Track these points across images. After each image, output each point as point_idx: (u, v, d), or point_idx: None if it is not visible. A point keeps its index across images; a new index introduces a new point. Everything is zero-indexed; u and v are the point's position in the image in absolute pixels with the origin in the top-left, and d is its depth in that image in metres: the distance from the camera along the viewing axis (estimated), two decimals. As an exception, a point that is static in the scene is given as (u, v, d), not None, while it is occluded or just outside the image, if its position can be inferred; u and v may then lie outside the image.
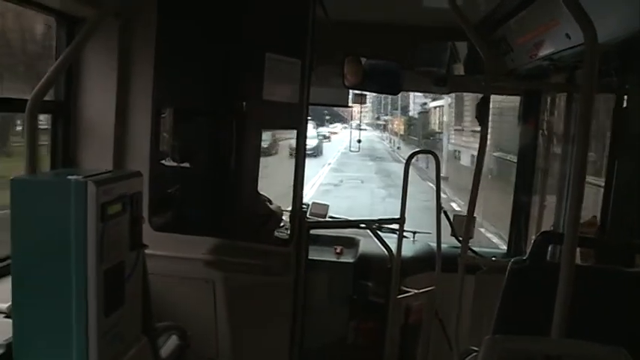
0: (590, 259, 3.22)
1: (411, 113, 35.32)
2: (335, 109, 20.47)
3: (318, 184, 19.37)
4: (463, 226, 3.14)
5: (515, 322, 2.26)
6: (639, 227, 3.22)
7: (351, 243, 4.61)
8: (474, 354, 2.93)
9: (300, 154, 3.43)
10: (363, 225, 4.04)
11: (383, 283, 4.09)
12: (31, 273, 1.99)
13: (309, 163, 3.46)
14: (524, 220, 4.59)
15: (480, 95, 2.71)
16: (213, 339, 3.36)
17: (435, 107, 29.52)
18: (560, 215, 4.11)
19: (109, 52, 3.16)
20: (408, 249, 4.40)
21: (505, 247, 4.82)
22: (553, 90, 4.37)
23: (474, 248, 4.39)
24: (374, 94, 7.83)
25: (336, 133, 33.16)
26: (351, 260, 4.40)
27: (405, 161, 3.93)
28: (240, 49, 3.33)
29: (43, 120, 3.09)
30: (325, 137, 31.45)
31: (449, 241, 4.37)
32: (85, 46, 2.60)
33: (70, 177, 1.97)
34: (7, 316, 2.16)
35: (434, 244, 4.06)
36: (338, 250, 4.51)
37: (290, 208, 3.55)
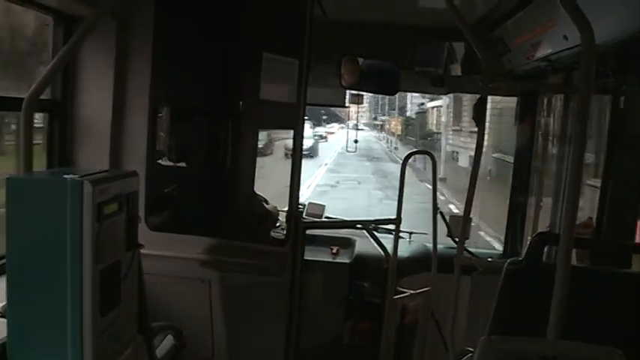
0: (585, 260, 3.23)
1: (408, 113, 35.39)
2: (332, 109, 20.47)
3: (314, 185, 19.36)
4: (459, 227, 3.14)
5: (511, 322, 2.26)
6: (634, 229, 3.23)
7: (347, 243, 4.61)
8: (470, 354, 2.92)
9: (297, 154, 3.42)
10: (359, 225, 4.04)
11: (379, 283, 4.09)
12: (27, 272, 1.99)
13: (304, 164, 3.45)
14: (521, 220, 4.60)
15: (478, 96, 2.72)
16: (209, 339, 3.36)
17: (433, 107, 29.56)
18: (556, 216, 4.11)
19: (106, 50, 3.15)
20: (404, 249, 4.40)
21: (501, 248, 4.83)
22: (550, 91, 4.37)
23: (470, 249, 4.39)
24: (371, 94, 7.84)
25: (333, 133, 33.23)
26: (347, 260, 4.40)
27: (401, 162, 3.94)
28: (238, 48, 3.33)
29: (38, 119, 3.08)
30: (322, 137, 31.50)
31: (445, 242, 4.38)
32: (82, 45, 2.59)
33: (66, 176, 1.97)
34: (2, 316, 2.15)
35: (430, 245, 4.06)
36: (334, 251, 4.51)
37: (286, 209, 3.55)
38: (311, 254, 4.15)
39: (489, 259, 4.28)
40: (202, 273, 3.27)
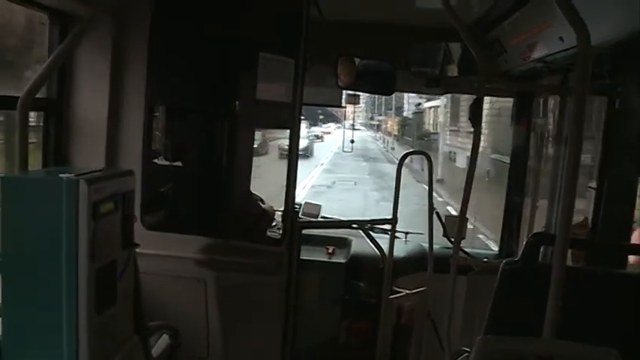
0: (581, 260, 3.24)
1: (405, 113, 35.37)
2: (329, 109, 20.47)
3: (310, 186, 19.31)
4: (455, 227, 3.14)
5: (506, 322, 2.27)
6: (630, 229, 3.24)
7: (343, 243, 4.61)
8: (466, 354, 2.93)
9: (293, 154, 3.42)
10: (355, 225, 4.04)
11: (375, 283, 4.09)
12: (22, 271, 1.98)
13: (299, 164, 3.46)
14: (517, 221, 4.60)
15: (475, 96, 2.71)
16: (204, 338, 3.35)
17: (430, 108, 29.54)
18: (552, 217, 4.12)
19: (102, 50, 3.15)
20: (400, 249, 4.41)
21: (497, 249, 4.84)
22: (546, 92, 4.38)
23: (466, 249, 4.40)
24: (367, 94, 7.83)
25: (329, 133, 33.19)
26: (343, 260, 4.40)
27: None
28: (234, 48, 3.32)
29: (33, 117, 3.07)
30: (318, 137, 31.47)
31: (441, 242, 4.38)
32: (78, 44, 2.59)
33: (61, 175, 1.96)
34: (-3, 315, 2.15)
35: (426, 245, 4.06)
36: (330, 250, 4.51)
37: (282, 208, 3.55)
38: (307, 254, 4.16)
39: (485, 260, 4.30)
40: (198, 272, 3.26)
